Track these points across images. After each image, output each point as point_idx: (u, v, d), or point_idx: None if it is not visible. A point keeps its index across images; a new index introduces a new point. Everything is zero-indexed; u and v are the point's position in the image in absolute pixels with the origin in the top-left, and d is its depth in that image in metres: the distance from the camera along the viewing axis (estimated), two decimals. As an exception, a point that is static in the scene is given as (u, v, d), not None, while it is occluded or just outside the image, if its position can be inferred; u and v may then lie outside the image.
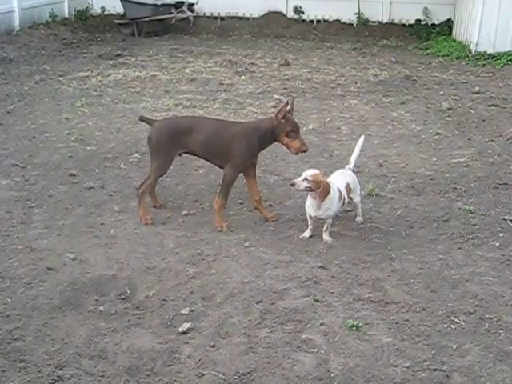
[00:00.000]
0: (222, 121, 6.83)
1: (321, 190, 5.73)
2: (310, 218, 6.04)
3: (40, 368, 4.13)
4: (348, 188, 6.11)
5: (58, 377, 4.05)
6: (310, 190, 5.79)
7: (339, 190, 5.95)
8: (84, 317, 4.71)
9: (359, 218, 6.37)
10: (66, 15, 19.25)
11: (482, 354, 4.32)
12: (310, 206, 5.96)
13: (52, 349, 4.32)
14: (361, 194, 6.53)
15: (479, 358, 4.28)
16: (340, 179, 6.14)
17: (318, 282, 5.20)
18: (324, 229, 6.00)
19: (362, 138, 6.75)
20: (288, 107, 6.09)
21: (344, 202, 6.04)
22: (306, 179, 5.75)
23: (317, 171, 5.89)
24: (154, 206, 6.69)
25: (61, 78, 12.64)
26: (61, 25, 18.16)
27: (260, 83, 12.43)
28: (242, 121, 6.79)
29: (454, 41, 16.48)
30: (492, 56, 14.27)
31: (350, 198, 6.21)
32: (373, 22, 19.33)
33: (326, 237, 5.99)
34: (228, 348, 4.35)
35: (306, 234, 6.09)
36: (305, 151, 6.21)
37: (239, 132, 6.23)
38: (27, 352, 4.28)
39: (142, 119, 6.73)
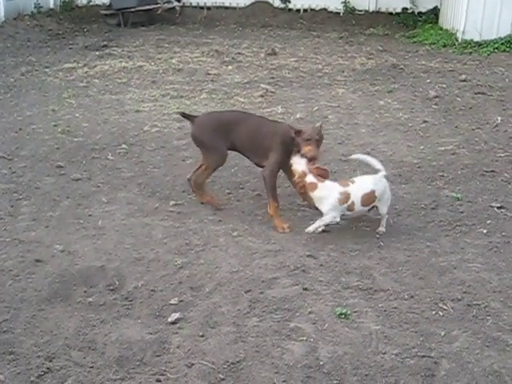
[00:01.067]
0: (263, 118, 6.76)
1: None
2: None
3: (29, 360, 4.12)
4: (369, 196, 5.81)
5: (48, 368, 4.05)
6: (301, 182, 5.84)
7: (343, 194, 5.75)
8: (73, 308, 4.71)
9: (381, 229, 5.97)
10: (52, 6, 19.16)
11: (469, 340, 4.34)
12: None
13: (41, 341, 4.32)
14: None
15: (467, 344, 4.31)
16: (359, 187, 5.86)
17: (306, 271, 5.21)
18: (317, 221, 5.92)
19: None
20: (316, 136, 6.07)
21: (350, 208, 5.81)
22: (306, 173, 5.80)
23: (302, 165, 5.86)
24: (202, 203, 6.61)
25: (47, 70, 12.58)
26: (46, 16, 18.08)
27: (247, 73, 12.41)
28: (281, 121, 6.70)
29: (441, 29, 16.49)
30: (478, 44, 14.28)
31: (376, 207, 5.94)
32: (359, 10, 19.31)
33: (309, 227, 5.95)
34: (217, 337, 4.36)
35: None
36: (312, 157, 6.00)
37: (279, 132, 6.22)
38: (16, 344, 4.27)
39: (184, 116, 6.65)
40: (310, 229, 5.91)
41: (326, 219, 5.84)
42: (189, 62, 13.32)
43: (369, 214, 6.13)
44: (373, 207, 5.94)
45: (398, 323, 4.53)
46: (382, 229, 5.98)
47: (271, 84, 11.48)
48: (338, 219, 5.85)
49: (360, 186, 5.85)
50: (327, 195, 5.77)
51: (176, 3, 18.77)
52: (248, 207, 6.46)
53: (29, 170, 7.42)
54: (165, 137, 8.63)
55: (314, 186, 5.79)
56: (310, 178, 5.79)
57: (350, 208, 5.81)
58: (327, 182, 5.84)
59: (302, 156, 5.93)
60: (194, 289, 4.96)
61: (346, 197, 5.76)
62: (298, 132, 6.02)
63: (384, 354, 4.20)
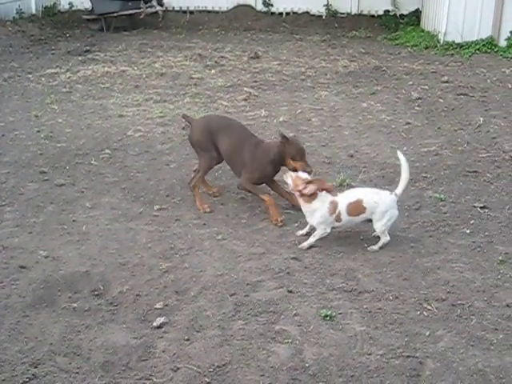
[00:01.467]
0: (248, 131, 6.81)
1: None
2: None
3: (14, 366, 4.11)
4: (355, 206, 5.65)
5: (33, 375, 4.03)
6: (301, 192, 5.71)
7: (332, 204, 5.66)
8: (57, 314, 4.69)
9: (372, 247, 5.73)
10: (34, 11, 19.09)
11: (454, 340, 4.37)
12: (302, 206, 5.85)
13: (26, 347, 4.30)
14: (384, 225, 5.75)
15: (452, 343, 4.33)
16: (345, 196, 5.78)
17: (291, 273, 5.22)
18: (311, 237, 5.78)
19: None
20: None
21: (337, 219, 5.69)
22: (307, 183, 5.64)
23: (305, 176, 5.78)
24: (211, 195, 6.89)
25: (29, 75, 12.54)
26: (28, 21, 18.03)
27: (230, 76, 12.41)
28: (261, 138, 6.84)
29: (423, 31, 16.57)
30: (460, 45, 14.38)
31: (370, 221, 5.76)
32: (342, 13, 19.37)
33: (304, 243, 5.77)
34: (202, 341, 4.36)
35: (303, 230, 6.01)
36: (309, 172, 6.06)
37: (259, 150, 6.41)
38: (1, 351, 4.25)
39: (184, 118, 7.18)
40: (305, 245, 5.75)
41: (318, 233, 5.74)
42: (172, 66, 13.32)
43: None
44: (369, 220, 5.78)
45: (382, 324, 4.55)
46: (373, 247, 5.73)
47: (254, 87, 11.49)
48: (329, 231, 5.74)
49: (346, 195, 5.78)
50: (320, 206, 5.68)
51: (159, 8, 18.74)
52: (232, 211, 6.47)
53: (12, 176, 7.39)
54: (148, 141, 8.62)
55: (314, 196, 5.67)
56: (312, 188, 5.63)
57: (337, 219, 5.67)
58: (324, 193, 5.69)
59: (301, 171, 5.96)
60: (179, 293, 4.96)
61: (334, 206, 5.64)
62: (284, 141, 6.22)
63: (369, 354, 4.22)
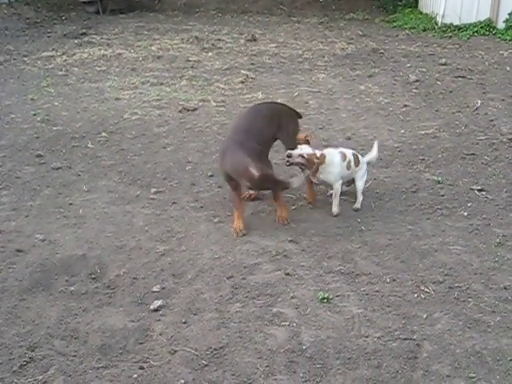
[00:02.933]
0: None
1: (313, 169, 5.78)
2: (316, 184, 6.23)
3: (11, 350, 4.11)
4: (356, 159, 6.11)
5: (30, 358, 4.04)
6: (301, 166, 5.80)
7: (342, 153, 6.02)
8: (54, 297, 4.69)
9: (356, 206, 6.13)
10: (29, -6, 18.97)
11: (451, 322, 4.37)
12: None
13: (23, 330, 4.31)
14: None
15: (449, 326, 4.33)
16: (348, 149, 6.23)
17: (288, 256, 5.22)
18: (333, 199, 6.02)
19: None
20: None
21: (350, 165, 6.03)
22: (302, 156, 5.72)
23: (311, 150, 5.81)
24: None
25: (25, 59, 12.47)
26: (24, 4, 17.94)
27: (227, 59, 12.36)
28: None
29: (421, 13, 16.48)
30: (458, 28, 14.31)
31: (353, 179, 6.18)
32: (339, -5, 19.27)
33: (333, 208, 6.00)
34: (200, 324, 4.36)
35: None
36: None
37: None
38: (-2, 334, 4.26)
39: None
40: (335, 209, 5.99)
41: (337, 186, 5.98)
42: (168, 48, 13.26)
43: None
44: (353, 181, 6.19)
45: (380, 306, 4.55)
46: (357, 205, 6.13)
47: (251, 70, 11.45)
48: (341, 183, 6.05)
49: (347, 150, 6.18)
50: (333, 158, 5.94)
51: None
52: (229, 193, 6.44)
53: (8, 159, 7.36)
54: (145, 124, 8.59)
55: (323, 157, 5.84)
56: (317, 152, 5.83)
57: (349, 168, 6.04)
58: (328, 149, 6.13)
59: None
60: (176, 276, 4.96)
61: (344, 155, 6.02)
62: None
63: (366, 337, 4.22)
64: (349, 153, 6.10)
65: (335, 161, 5.93)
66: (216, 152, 7.30)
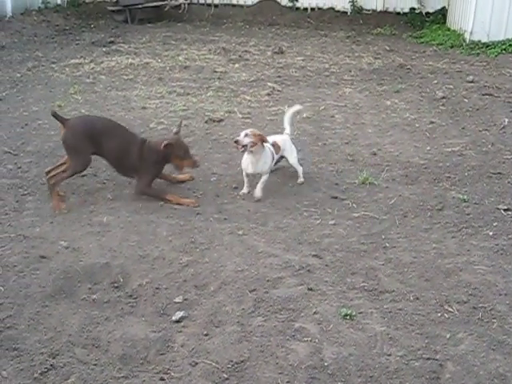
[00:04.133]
0: (131, 134, 6.92)
1: (262, 141, 6.48)
2: (247, 175, 6.78)
3: (33, 356, 4.11)
4: (276, 146, 6.82)
5: (51, 365, 4.04)
6: (252, 144, 6.33)
7: (271, 147, 6.71)
8: (77, 305, 4.69)
9: (300, 180, 7.05)
10: (59, 2, 19.17)
11: (475, 343, 4.32)
12: (249, 163, 6.62)
13: (45, 337, 4.31)
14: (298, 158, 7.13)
15: (472, 347, 4.29)
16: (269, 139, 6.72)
17: (311, 271, 5.19)
18: (260, 184, 6.65)
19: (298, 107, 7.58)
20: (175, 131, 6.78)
21: (273, 157, 6.73)
22: (246, 135, 6.39)
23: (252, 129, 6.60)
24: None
25: (53, 65, 12.58)
26: (53, 11, 18.11)
27: (254, 71, 12.39)
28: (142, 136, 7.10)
29: (449, 29, 16.45)
30: (486, 45, 14.24)
31: (284, 157, 7.04)
32: (367, 10, 19.27)
33: (257, 193, 6.62)
34: (221, 337, 4.34)
35: (245, 190, 6.80)
36: (197, 167, 6.80)
37: (146, 152, 6.57)
38: (20, 340, 4.26)
39: (54, 116, 6.57)
40: (259, 195, 6.62)
41: (266, 176, 6.71)
42: (195, 59, 13.31)
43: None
44: (282, 157, 7.03)
45: (403, 325, 4.51)
46: (300, 180, 7.05)
47: (278, 83, 11.46)
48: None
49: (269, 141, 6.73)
50: (267, 151, 6.64)
51: (182, 0, 18.75)
52: (253, 206, 6.44)
53: (34, 165, 7.41)
54: (171, 134, 8.59)
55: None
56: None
57: (273, 159, 6.75)
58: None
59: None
60: (199, 287, 4.95)
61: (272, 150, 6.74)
62: (168, 145, 6.49)
63: (389, 355, 4.18)
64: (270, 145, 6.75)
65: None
66: (240, 165, 7.30)
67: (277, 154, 6.82)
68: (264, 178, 6.67)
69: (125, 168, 6.69)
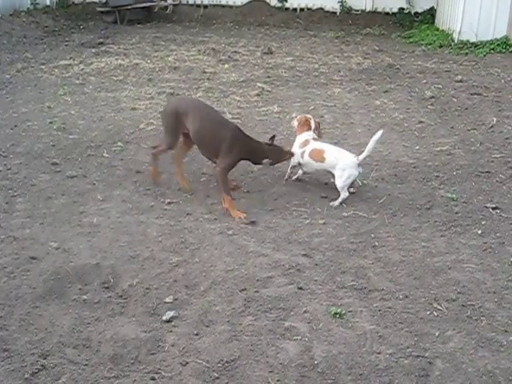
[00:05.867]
0: (220, 116, 6.86)
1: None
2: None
3: (23, 357, 4.12)
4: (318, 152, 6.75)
5: (42, 366, 4.04)
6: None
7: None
8: (67, 306, 4.70)
9: (333, 202, 6.56)
10: (48, 3, 19.19)
11: (464, 341, 4.35)
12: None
13: (35, 338, 4.31)
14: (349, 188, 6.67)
15: (461, 344, 4.32)
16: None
17: (301, 270, 5.22)
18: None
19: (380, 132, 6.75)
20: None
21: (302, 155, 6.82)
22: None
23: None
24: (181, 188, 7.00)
25: (43, 67, 12.56)
26: (42, 12, 18.09)
27: (243, 71, 12.41)
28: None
29: (437, 29, 16.52)
30: (475, 45, 14.32)
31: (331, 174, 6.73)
32: (356, 10, 19.36)
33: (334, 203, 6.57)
34: (212, 336, 4.36)
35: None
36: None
37: (230, 135, 6.41)
38: (10, 341, 4.26)
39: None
40: (336, 203, 6.53)
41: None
42: (185, 60, 13.32)
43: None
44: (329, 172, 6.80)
45: (392, 323, 4.54)
46: (334, 202, 6.55)
47: (267, 83, 11.49)
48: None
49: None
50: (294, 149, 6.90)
51: (171, 1, 18.76)
52: (243, 206, 6.45)
53: (24, 166, 7.40)
54: (161, 135, 8.58)
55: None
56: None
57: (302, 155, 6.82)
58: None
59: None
60: (189, 287, 4.96)
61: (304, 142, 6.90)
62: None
63: (378, 353, 4.21)
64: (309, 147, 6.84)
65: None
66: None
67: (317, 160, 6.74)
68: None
69: (209, 151, 6.59)
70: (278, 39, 16.05)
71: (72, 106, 9.89)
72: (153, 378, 3.96)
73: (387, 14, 19.12)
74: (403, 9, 18.87)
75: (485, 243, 5.75)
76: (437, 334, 4.42)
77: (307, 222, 6.12)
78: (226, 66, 12.87)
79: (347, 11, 19.26)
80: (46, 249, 5.51)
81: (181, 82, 11.56)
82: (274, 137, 6.55)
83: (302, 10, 19.72)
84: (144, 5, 18.16)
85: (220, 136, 6.33)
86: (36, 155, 7.77)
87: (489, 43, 14.15)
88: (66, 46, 14.79)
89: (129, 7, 17.77)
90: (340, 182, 6.52)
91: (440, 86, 11.25)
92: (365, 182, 7.05)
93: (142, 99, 10.36)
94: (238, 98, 10.45)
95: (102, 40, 15.31)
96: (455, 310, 4.71)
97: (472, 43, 14.39)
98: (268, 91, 10.93)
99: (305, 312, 4.64)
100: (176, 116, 6.53)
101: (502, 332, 4.46)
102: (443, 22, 16.34)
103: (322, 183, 7.04)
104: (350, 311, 4.67)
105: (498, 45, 14.00)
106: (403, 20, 18.34)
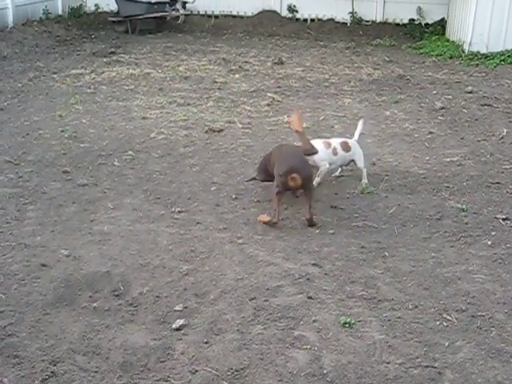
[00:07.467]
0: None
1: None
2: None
3: (34, 364, 4.13)
4: (345, 145, 7.21)
5: (52, 372, 4.05)
6: None
7: (326, 142, 7.10)
8: (78, 313, 4.71)
9: (363, 181, 7.27)
10: (60, 12, 19.22)
11: (473, 352, 4.34)
12: None
13: (46, 345, 4.33)
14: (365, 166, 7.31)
15: (471, 355, 4.31)
16: (337, 138, 7.46)
17: (311, 280, 5.22)
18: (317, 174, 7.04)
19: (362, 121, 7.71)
20: None
21: (336, 152, 7.06)
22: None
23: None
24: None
25: (54, 75, 12.63)
26: (54, 22, 18.16)
27: (254, 81, 12.45)
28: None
29: (448, 40, 16.52)
30: (485, 56, 14.32)
31: (353, 161, 7.28)
32: (366, 21, 19.39)
33: (316, 179, 6.99)
34: (221, 344, 4.36)
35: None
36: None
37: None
38: (21, 348, 4.28)
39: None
40: (317, 180, 7.01)
41: (323, 169, 7.04)
42: (196, 69, 13.37)
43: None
44: (351, 161, 7.28)
45: (402, 333, 4.53)
46: (364, 180, 7.28)
47: (278, 93, 11.52)
48: (328, 165, 7.07)
49: (334, 139, 7.36)
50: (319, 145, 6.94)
51: (182, 11, 18.83)
52: (253, 215, 6.46)
53: (35, 174, 7.44)
54: (171, 144, 8.65)
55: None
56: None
57: (334, 153, 7.06)
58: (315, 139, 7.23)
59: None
60: (199, 296, 4.97)
61: (327, 143, 7.08)
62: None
63: (388, 363, 4.20)
64: (335, 141, 7.18)
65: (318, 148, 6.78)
66: (241, 174, 7.37)
67: (346, 151, 7.17)
68: (320, 169, 7.07)
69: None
70: (289, 49, 16.10)
71: (83, 115, 9.94)
72: (162, 386, 3.97)
73: (398, 24, 19.15)
74: (414, 20, 18.90)
75: (495, 254, 5.74)
76: (446, 344, 4.42)
77: (317, 231, 6.13)
78: (237, 75, 12.91)
79: (358, 22, 19.30)
80: (57, 256, 5.53)
81: (191, 91, 11.60)
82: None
83: (312, 20, 19.76)
84: (155, 15, 18.22)
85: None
86: (47, 163, 7.81)
87: (499, 54, 14.14)
88: (78, 55, 14.86)
89: (140, 17, 17.85)
90: (362, 161, 7.29)
91: (450, 97, 11.26)
92: (375, 192, 7.05)
93: (152, 108, 10.40)
94: (248, 108, 10.48)
95: (113, 49, 15.39)
96: (465, 320, 4.70)
97: (482, 54, 14.39)
98: (278, 101, 10.96)
99: (314, 321, 4.64)
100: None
101: (512, 343, 4.46)
102: (454, 33, 16.35)
103: (333, 193, 7.04)
104: (359, 321, 4.66)
105: (509, 56, 13.98)
106: (414, 31, 18.37)
